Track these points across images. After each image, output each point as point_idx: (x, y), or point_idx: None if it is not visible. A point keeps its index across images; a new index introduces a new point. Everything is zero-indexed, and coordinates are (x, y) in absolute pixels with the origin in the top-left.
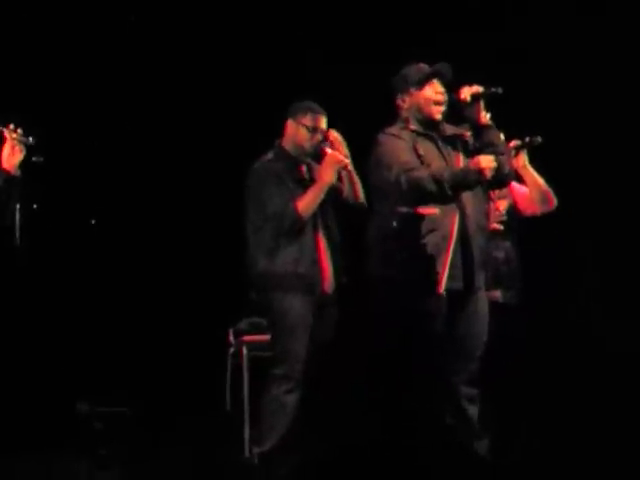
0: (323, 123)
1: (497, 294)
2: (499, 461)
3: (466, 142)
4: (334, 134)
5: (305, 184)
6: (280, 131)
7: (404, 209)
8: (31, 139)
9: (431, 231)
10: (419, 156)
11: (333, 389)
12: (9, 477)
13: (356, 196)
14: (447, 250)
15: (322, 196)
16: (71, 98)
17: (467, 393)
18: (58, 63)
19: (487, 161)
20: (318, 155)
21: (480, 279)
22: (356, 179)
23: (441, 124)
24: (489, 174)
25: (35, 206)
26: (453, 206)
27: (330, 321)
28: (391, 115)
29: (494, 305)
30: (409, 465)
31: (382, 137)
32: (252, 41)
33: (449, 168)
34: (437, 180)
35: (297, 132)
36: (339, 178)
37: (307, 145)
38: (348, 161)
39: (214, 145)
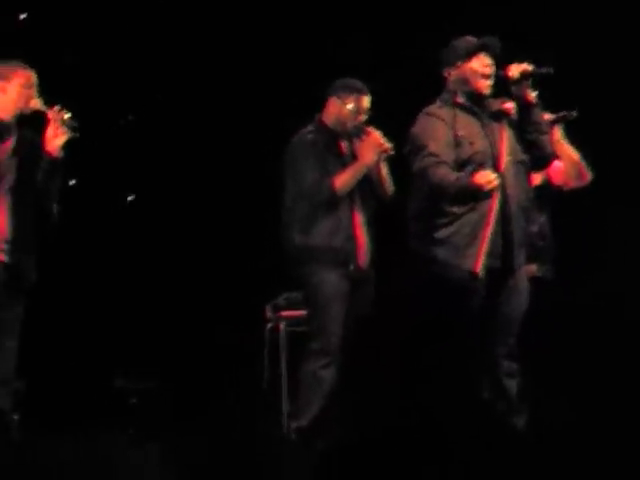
0: (367, 103)
1: (533, 268)
2: (537, 435)
3: (511, 117)
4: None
5: (344, 160)
6: (320, 106)
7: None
8: (75, 122)
9: (471, 209)
10: (457, 136)
11: (370, 364)
12: (45, 454)
13: (383, 191)
14: (485, 229)
15: (360, 176)
16: (106, 74)
17: (507, 367)
18: (94, 40)
19: (485, 177)
20: (359, 134)
21: (520, 258)
22: (384, 174)
23: (486, 99)
24: (487, 189)
25: (72, 182)
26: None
27: (366, 296)
28: (432, 98)
29: (530, 279)
30: (445, 441)
31: (421, 116)
32: (288, 23)
33: (459, 180)
34: (449, 185)
35: (340, 111)
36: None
37: (350, 124)
38: (389, 145)
39: (251, 118)
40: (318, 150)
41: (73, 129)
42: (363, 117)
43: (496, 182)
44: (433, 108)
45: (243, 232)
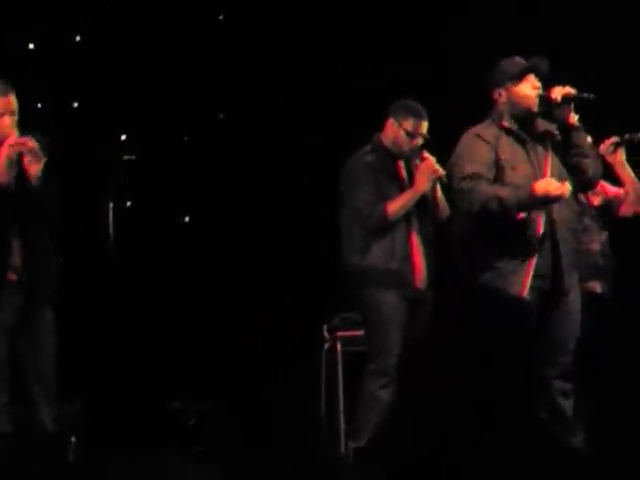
0: (424, 128)
1: (595, 286)
2: (594, 456)
3: (556, 141)
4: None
5: (401, 183)
6: (379, 125)
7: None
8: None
9: (517, 234)
10: (499, 159)
11: (427, 385)
12: (103, 475)
13: (438, 213)
14: (532, 254)
15: (413, 202)
16: (161, 95)
17: (560, 387)
18: (148, 61)
19: (547, 184)
20: (415, 156)
21: (571, 280)
22: (439, 196)
23: (535, 118)
24: (554, 197)
25: (128, 204)
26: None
27: (423, 317)
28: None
29: (592, 296)
30: (503, 460)
31: (465, 136)
32: (348, 37)
33: (516, 190)
34: (501, 201)
35: (397, 133)
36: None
37: (405, 148)
38: (443, 172)
39: (309, 139)
40: (375, 172)
41: (45, 152)
42: (419, 141)
43: (566, 188)
44: (479, 128)
45: (300, 253)
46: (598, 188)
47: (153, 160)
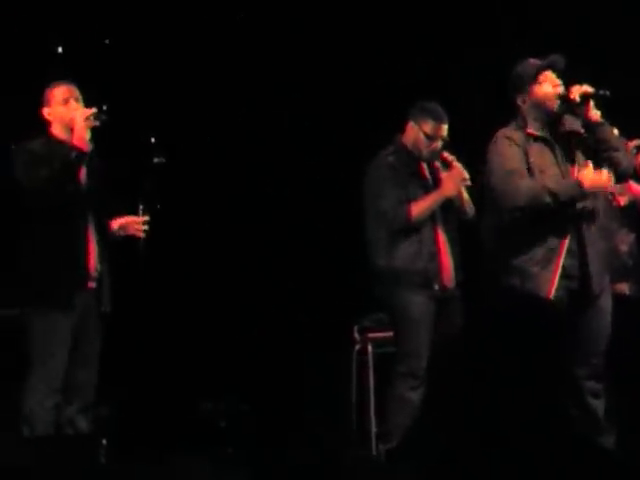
0: (444, 131)
1: (623, 287)
2: (626, 456)
3: (584, 138)
4: (449, 159)
5: (425, 183)
6: (401, 126)
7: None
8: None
9: (544, 236)
10: (529, 163)
11: (457, 384)
12: (135, 477)
13: (463, 213)
14: (559, 255)
15: (438, 205)
16: (191, 98)
17: (591, 388)
18: (177, 64)
19: (593, 175)
20: (435, 159)
21: (601, 281)
22: (465, 196)
23: (562, 117)
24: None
25: (158, 206)
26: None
27: (453, 316)
28: (508, 115)
29: (621, 298)
30: (533, 458)
31: (497, 139)
32: (373, 37)
33: (562, 181)
34: (552, 193)
35: (417, 136)
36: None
37: (424, 151)
38: (468, 177)
39: (338, 140)
40: (398, 173)
41: (101, 120)
42: (439, 144)
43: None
44: (509, 131)
45: (331, 253)
46: (624, 188)
47: (183, 163)
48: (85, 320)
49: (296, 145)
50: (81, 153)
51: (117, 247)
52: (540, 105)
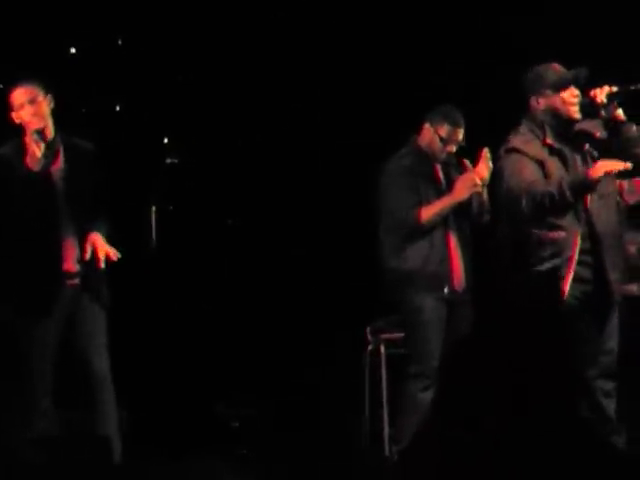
0: (459, 135)
1: (633, 288)
2: (637, 455)
3: (596, 141)
4: (485, 153)
5: (439, 187)
6: (417, 128)
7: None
8: None
9: (555, 253)
10: (545, 173)
11: (468, 385)
12: (148, 478)
13: (480, 215)
14: (570, 261)
15: (449, 210)
16: (203, 99)
17: (602, 387)
18: (190, 64)
19: (603, 166)
20: (450, 163)
21: (615, 286)
22: (484, 198)
23: (576, 124)
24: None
25: (171, 207)
26: (576, 223)
27: (464, 319)
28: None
29: (630, 299)
30: (545, 457)
31: (510, 154)
32: (392, 39)
33: (567, 176)
34: (560, 191)
35: (432, 139)
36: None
37: (439, 154)
38: (481, 189)
39: (350, 142)
40: (411, 175)
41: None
42: (453, 148)
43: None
44: (520, 142)
45: (345, 254)
46: (633, 187)
47: (196, 163)
48: (78, 314)
49: (310, 147)
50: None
51: (129, 247)
52: (557, 113)
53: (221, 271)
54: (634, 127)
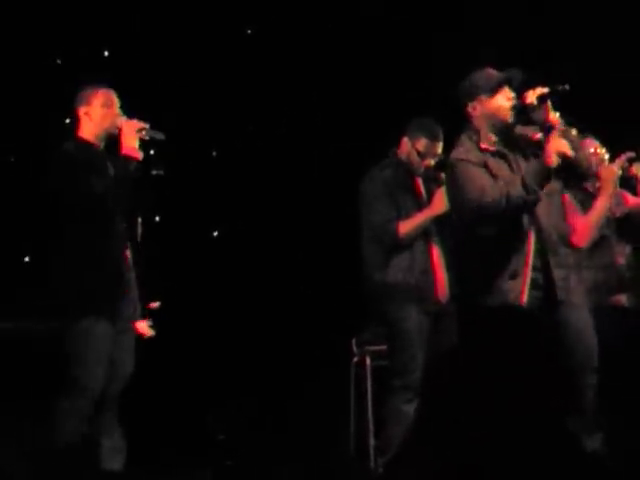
0: (438, 149)
1: (622, 299)
2: (612, 456)
3: (537, 144)
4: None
5: (419, 199)
6: (397, 140)
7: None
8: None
9: (508, 253)
10: (493, 175)
11: (451, 398)
12: None
13: None
14: (526, 265)
15: (428, 223)
16: (189, 110)
17: (584, 385)
18: (175, 75)
19: (554, 149)
20: (428, 176)
21: (562, 292)
22: None
23: (512, 127)
24: (554, 160)
25: (157, 218)
26: (527, 223)
27: (447, 330)
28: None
29: (619, 309)
30: (531, 468)
31: (454, 166)
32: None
33: (526, 173)
34: (529, 189)
35: (410, 152)
36: None
37: (416, 167)
38: None
39: (344, 147)
40: (391, 188)
41: (157, 138)
42: (431, 162)
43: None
44: (463, 153)
45: (330, 265)
46: (620, 199)
47: (181, 175)
48: (119, 325)
49: (297, 159)
50: (138, 164)
51: None
52: (491, 117)
53: (207, 282)
54: (573, 131)
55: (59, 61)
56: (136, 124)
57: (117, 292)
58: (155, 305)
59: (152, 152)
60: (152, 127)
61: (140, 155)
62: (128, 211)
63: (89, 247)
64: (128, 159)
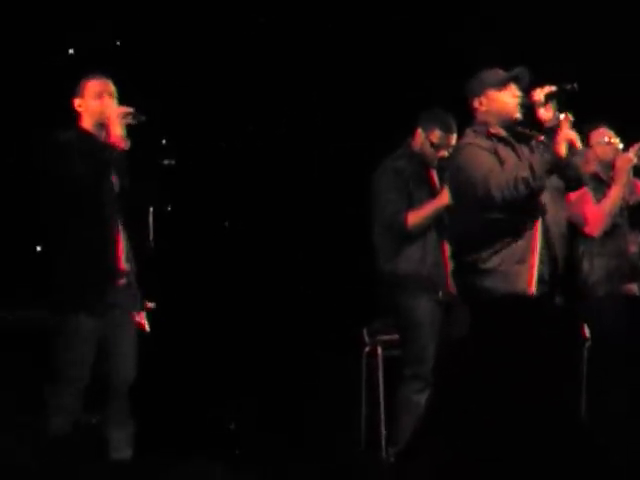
0: (452, 141)
1: (634, 288)
2: (595, 425)
3: (538, 141)
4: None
5: (432, 189)
6: (397, 139)
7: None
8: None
9: (515, 239)
10: (500, 159)
11: (463, 388)
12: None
13: None
14: (532, 256)
15: (437, 214)
16: (202, 100)
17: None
18: (188, 66)
19: (563, 139)
20: (441, 168)
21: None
22: None
23: (518, 124)
24: (563, 149)
25: (168, 208)
26: (535, 212)
27: (459, 320)
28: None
29: (631, 298)
30: (543, 458)
31: (462, 148)
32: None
33: (533, 162)
34: (534, 175)
35: (424, 143)
36: None
37: (431, 159)
38: None
39: (348, 145)
40: (404, 179)
41: (139, 120)
42: (445, 153)
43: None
44: (470, 138)
45: (343, 255)
46: (633, 187)
47: (193, 165)
48: (117, 317)
49: (308, 150)
50: (119, 151)
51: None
52: (497, 111)
53: (218, 273)
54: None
55: (71, 51)
56: (120, 110)
57: (104, 284)
58: (150, 306)
59: (164, 142)
60: (140, 111)
61: (126, 144)
62: (127, 203)
63: (75, 238)
64: (113, 147)
